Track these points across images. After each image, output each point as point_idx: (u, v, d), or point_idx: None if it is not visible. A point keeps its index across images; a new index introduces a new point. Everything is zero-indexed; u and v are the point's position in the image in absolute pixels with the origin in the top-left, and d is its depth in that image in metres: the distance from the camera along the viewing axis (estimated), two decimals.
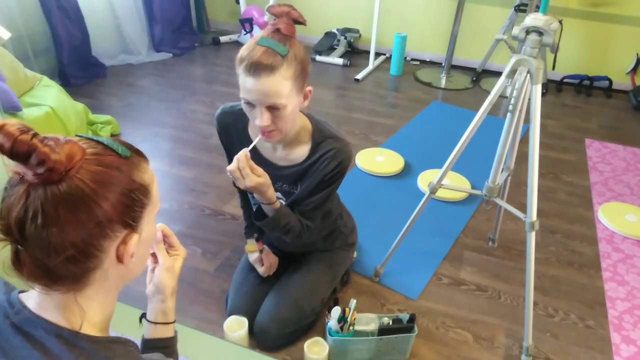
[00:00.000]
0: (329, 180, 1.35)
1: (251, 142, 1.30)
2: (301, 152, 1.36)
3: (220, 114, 1.44)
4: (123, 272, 0.72)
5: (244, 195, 1.63)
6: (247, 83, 1.14)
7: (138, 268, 0.77)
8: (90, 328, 0.70)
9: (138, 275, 0.77)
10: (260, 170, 1.23)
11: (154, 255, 0.91)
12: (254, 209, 1.41)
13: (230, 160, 1.49)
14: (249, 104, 1.19)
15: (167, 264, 0.90)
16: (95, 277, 0.68)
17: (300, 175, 1.38)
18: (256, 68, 1.12)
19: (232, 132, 1.43)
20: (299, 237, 1.42)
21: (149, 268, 0.93)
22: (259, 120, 1.18)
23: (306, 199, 1.39)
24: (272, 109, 1.17)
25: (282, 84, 1.14)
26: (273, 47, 1.13)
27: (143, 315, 0.93)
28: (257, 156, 1.38)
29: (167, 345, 0.92)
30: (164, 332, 0.92)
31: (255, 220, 1.38)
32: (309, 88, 1.25)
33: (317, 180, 1.35)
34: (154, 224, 0.77)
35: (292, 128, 1.31)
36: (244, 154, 1.20)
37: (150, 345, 0.90)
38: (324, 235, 1.65)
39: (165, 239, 0.92)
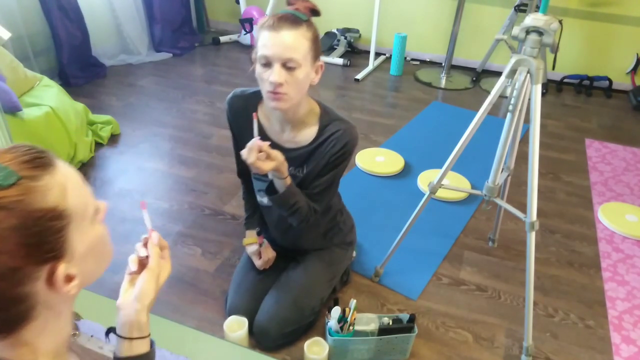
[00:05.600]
0: (335, 161, 1.38)
1: (261, 126, 1.35)
2: (308, 134, 1.39)
3: (231, 97, 1.46)
4: (70, 292, 0.62)
5: (248, 185, 1.63)
6: (268, 39, 1.21)
7: (95, 272, 0.68)
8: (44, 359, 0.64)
9: (99, 276, 0.69)
10: (274, 153, 1.26)
11: (141, 264, 0.82)
12: (267, 183, 1.43)
13: (237, 145, 1.53)
14: (265, 64, 1.23)
15: (156, 270, 0.81)
16: (35, 314, 0.60)
17: (307, 157, 1.40)
18: (279, 22, 1.20)
19: (243, 116, 1.44)
20: (306, 220, 1.44)
21: (125, 279, 0.82)
22: (273, 75, 1.21)
23: (313, 181, 1.42)
24: (287, 68, 1.22)
25: (301, 41, 1.21)
26: (294, 13, 1.23)
27: (112, 330, 0.82)
28: (264, 139, 1.38)
29: None
30: (141, 348, 0.81)
31: (267, 194, 1.40)
32: (320, 63, 1.31)
33: (324, 161, 1.38)
34: (93, 226, 0.65)
35: (301, 101, 1.33)
36: (255, 143, 1.23)
37: None
38: (323, 231, 1.65)
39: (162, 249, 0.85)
